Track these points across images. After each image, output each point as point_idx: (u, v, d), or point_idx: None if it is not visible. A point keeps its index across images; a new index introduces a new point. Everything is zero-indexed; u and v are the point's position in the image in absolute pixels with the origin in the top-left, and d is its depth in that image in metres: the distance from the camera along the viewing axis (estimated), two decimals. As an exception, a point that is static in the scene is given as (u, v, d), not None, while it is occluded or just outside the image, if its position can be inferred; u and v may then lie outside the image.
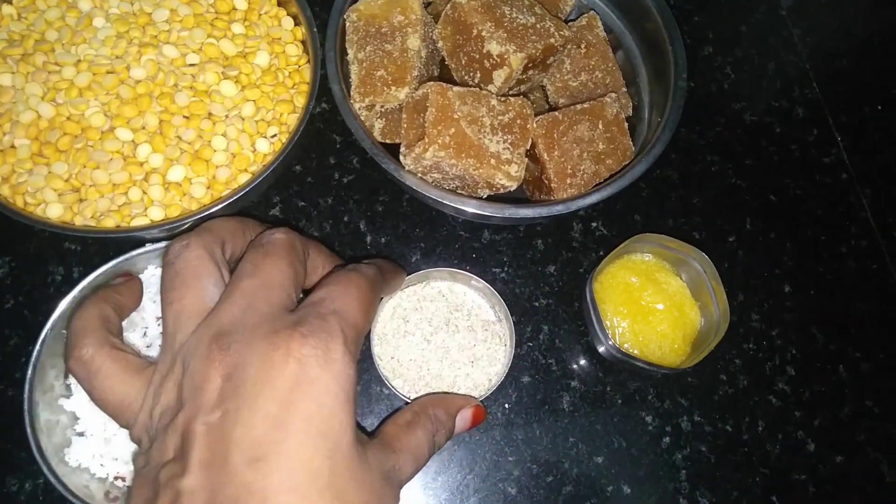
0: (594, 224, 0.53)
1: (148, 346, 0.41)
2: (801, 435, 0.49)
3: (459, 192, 0.45)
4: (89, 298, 0.33)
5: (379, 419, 0.46)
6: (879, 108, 0.60)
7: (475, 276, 0.45)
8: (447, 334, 0.45)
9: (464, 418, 0.37)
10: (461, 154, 0.41)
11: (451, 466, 0.45)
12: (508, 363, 0.44)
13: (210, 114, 0.46)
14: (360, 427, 0.30)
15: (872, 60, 0.63)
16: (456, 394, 0.42)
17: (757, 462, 0.47)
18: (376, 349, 0.44)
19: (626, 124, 0.47)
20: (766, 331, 0.51)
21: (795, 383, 0.50)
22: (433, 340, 0.45)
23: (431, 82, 0.41)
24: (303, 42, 0.50)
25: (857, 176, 0.57)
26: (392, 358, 0.44)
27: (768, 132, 0.58)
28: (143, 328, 0.41)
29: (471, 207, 0.43)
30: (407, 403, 0.42)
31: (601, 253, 0.52)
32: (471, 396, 0.40)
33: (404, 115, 0.43)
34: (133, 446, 0.39)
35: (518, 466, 0.46)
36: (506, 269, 0.51)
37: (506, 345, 0.45)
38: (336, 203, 0.52)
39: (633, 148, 0.48)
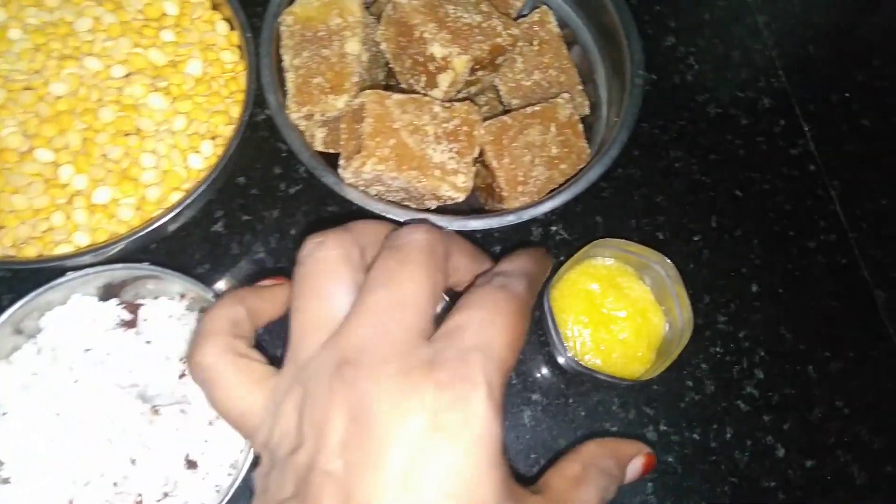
0: (554, 228, 0.51)
1: (76, 382, 0.38)
2: (770, 440, 0.47)
3: (406, 203, 0.43)
4: (224, 298, 0.29)
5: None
6: (847, 95, 0.59)
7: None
8: None
9: (635, 468, 0.33)
10: (402, 166, 0.38)
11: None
12: None
13: (138, 129, 0.43)
14: (520, 478, 0.25)
15: (839, 47, 0.61)
16: (623, 440, 0.36)
17: (726, 471, 0.46)
18: None
19: (580, 126, 0.45)
20: (734, 333, 0.50)
21: (764, 387, 0.48)
22: None
23: (368, 90, 0.39)
24: (239, 48, 0.47)
25: (826, 167, 0.55)
26: None
27: (734, 124, 0.56)
28: (71, 361, 0.39)
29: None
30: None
31: (562, 258, 0.50)
32: (640, 443, 0.35)
33: (343, 126, 0.41)
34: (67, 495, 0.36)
35: (478, 487, 0.44)
36: (462, 279, 0.49)
37: None
38: (283, 215, 0.49)
39: (589, 150, 0.46)
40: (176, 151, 0.43)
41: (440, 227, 0.27)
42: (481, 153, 0.42)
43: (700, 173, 0.54)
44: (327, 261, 0.26)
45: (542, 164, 0.43)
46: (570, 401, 0.46)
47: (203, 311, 0.40)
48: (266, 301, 0.31)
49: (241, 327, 0.28)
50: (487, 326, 0.24)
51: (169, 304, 0.41)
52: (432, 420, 0.21)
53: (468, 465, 0.21)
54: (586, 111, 0.48)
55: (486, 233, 0.50)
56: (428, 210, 0.42)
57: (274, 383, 0.26)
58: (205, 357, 0.26)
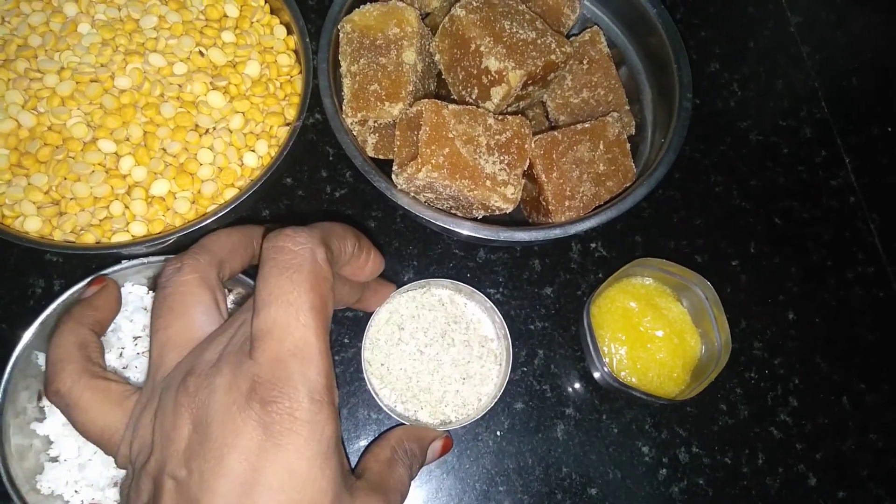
0: (593, 245, 0.51)
1: (124, 368, 0.39)
2: (802, 469, 0.47)
3: (454, 212, 0.43)
4: (64, 323, 0.31)
5: (368, 441, 0.44)
6: (889, 129, 0.59)
7: (478, 291, 0.43)
8: (442, 347, 0.43)
9: (434, 450, 0.39)
10: (455, 175, 0.39)
11: (439, 496, 0.44)
12: (503, 385, 0.42)
13: (196, 126, 0.44)
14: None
15: (883, 79, 0.61)
16: (424, 426, 0.41)
17: (756, 497, 0.46)
18: (367, 354, 0.43)
19: (628, 145, 0.46)
20: (769, 359, 0.50)
21: (797, 415, 0.48)
22: (427, 352, 0.43)
23: (426, 100, 0.40)
24: (295, 52, 0.49)
25: (866, 200, 0.55)
26: (382, 365, 0.43)
27: (775, 152, 0.57)
28: (119, 348, 0.40)
29: (465, 230, 0.41)
30: (395, 426, 0.41)
31: (600, 275, 0.51)
32: (437, 430, 0.41)
33: (397, 132, 0.42)
34: (109, 473, 0.37)
35: (509, 497, 0.44)
36: (501, 289, 0.49)
37: (500, 364, 0.44)
38: (327, 217, 0.50)
39: (635, 169, 0.46)
40: (232, 149, 0.44)
41: (307, 228, 0.27)
42: (530, 166, 0.43)
43: (740, 199, 0.54)
44: (185, 284, 0.27)
45: (589, 180, 0.43)
46: (604, 417, 0.47)
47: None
48: (102, 308, 0.34)
49: (89, 348, 0.30)
50: (293, 330, 0.24)
51: (230, 297, 0.41)
52: (264, 429, 0.23)
53: (301, 466, 0.23)
54: (632, 131, 0.49)
55: (527, 246, 0.50)
56: (475, 220, 0.42)
57: (133, 401, 0.27)
58: (62, 385, 0.28)
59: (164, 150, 0.44)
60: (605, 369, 0.44)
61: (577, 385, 0.48)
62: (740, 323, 0.50)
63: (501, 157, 0.41)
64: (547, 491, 0.44)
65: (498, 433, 0.45)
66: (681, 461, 0.46)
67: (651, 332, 0.47)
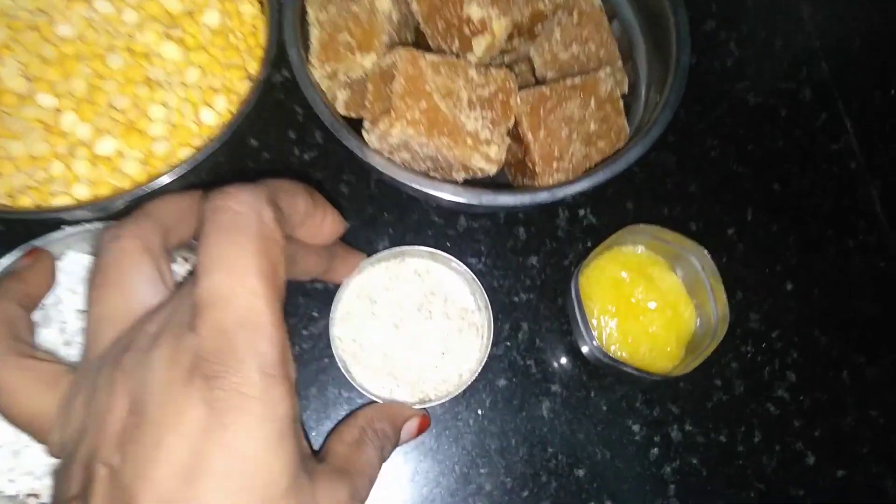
0: (582, 211, 0.48)
1: (67, 344, 0.36)
2: (800, 447, 0.45)
3: (432, 174, 0.40)
4: None
5: (336, 423, 0.41)
6: (893, 92, 0.56)
7: (455, 259, 0.40)
8: (418, 320, 0.40)
9: (409, 430, 0.36)
10: (433, 132, 0.35)
11: (415, 479, 0.41)
12: (484, 359, 0.39)
13: (148, 79, 0.40)
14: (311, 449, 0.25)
15: (886, 42, 0.58)
16: (398, 403, 0.38)
17: (752, 476, 0.44)
18: (336, 329, 0.39)
19: (621, 102, 0.42)
20: (766, 332, 0.47)
21: (795, 390, 0.46)
22: (402, 326, 0.40)
23: (400, 47, 0.36)
24: (260, 1, 0.44)
25: (868, 166, 0.53)
26: (354, 340, 0.40)
27: (773, 115, 0.53)
28: (61, 322, 0.36)
29: (444, 193, 0.37)
30: (363, 405, 0.38)
31: (589, 244, 0.48)
32: (412, 409, 0.38)
33: (370, 86, 0.38)
34: (48, 460, 0.34)
35: (490, 480, 0.41)
36: (483, 259, 0.46)
37: (483, 337, 0.41)
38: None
39: (629, 129, 0.43)
40: (187, 105, 0.40)
41: (254, 186, 0.24)
42: (516, 124, 0.39)
43: (737, 164, 0.51)
44: (124, 252, 0.25)
45: (579, 139, 0.40)
46: (592, 394, 0.44)
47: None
48: (32, 282, 0.31)
49: (17, 325, 0.28)
50: (239, 297, 0.21)
51: (176, 268, 0.38)
52: (208, 408, 0.20)
53: (252, 448, 0.20)
54: (625, 90, 0.45)
55: (511, 213, 0.47)
56: (455, 183, 0.39)
57: (67, 382, 0.25)
58: None
59: (111, 105, 0.39)
60: (594, 343, 0.41)
61: (563, 360, 0.45)
62: (736, 294, 0.47)
63: (484, 114, 0.37)
64: (531, 472, 0.42)
65: (479, 412, 0.43)
66: (673, 440, 0.44)
67: (643, 304, 0.44)
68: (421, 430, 0.37)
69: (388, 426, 0.35)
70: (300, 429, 0.24)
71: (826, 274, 0.49)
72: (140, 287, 0.25)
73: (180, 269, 0.37)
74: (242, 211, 0.23)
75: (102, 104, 0.39)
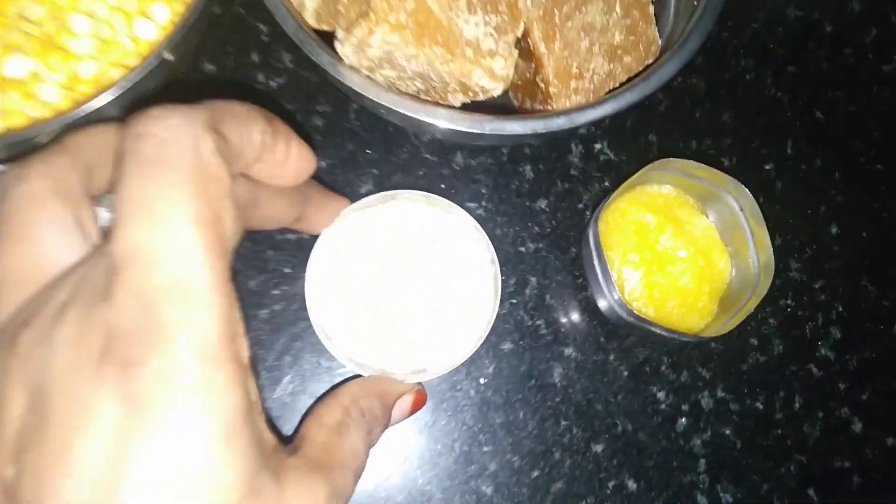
0: (598, 145, 0.41)
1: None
2: (845, 412, 0.39)
3: (423, 97, 0.33)
4: None
5: (310, 398, 0.35)
6: (954, 3, 0.49)
7: (455, 205, 0.33)
8: (411, 276, 0.33)
9: (402, 408, 0.30)
10: (423, 39, 0.28)
11: (409, 461, 0.35)
12: (491, 321, 0.33)
13: (67, -19, 0.32)
14: (277, 435, 0.20)
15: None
16: (387, 377, 0.32)
17: (792, 447, 0.38)
18: (314, 289, 0.33)
19: (651, 8, 0.35)
20: (808, 283, 0.41)
21: (840, 348, 0.40)
22: (392, 284, 0.33)
23: (380, -70, 0.28)
24: None
25: (925, 89, 0.46)
26: (334, 302, 0.33)
27: (817, 31, 0.46)
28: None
29: (439, 120, 0.30)
30: (346, 380, 0.31)
31: (606, 184, 0.41)
32: (404, 382, 0.32)
33: (343, -15, 0.30)
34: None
35: (495, 459, 0.36)
36: (484, 203, 0.39)
37: (489, 296, 0.34)
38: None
39: (660, 41, 0.35)
40: (119, 15, 0.33)
41: (189, 108, 0.18)
42: (525, 33, 0.32)
43: (775, 88, 0.44)
44: (31, 196, 0.19)
45: (601, 53, 0.33)
46: (611, 357, 0.38)
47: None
48: None
49: None
50: (167, 254, 0.16)
51: (107, 217, 0.31)
52: (124, 403, 0.15)
53: (188, 455, 0.16)
54: (653, -6, 0.38)
55: (517, 147, 0.40)
56: (451, 107, 0.32)
57: None
58: None
59: (21, 16, 0.32)
60: (616, 297, 0.35)
61: (577, 319, 0.39)
62: (775, 239, 0.41)
63: (487, 18, 0.30)
64: (542, 449, 0.36)
65: (481, 381, 0.37)
66: (703, 408, 0.38)
67: (671, 253, 0.38)
68: (416, 408, 0.31)
69: (377, 404, 0.29)
70: (260, 418, 0.19)
71: (876, 214, 0.43)
72: (52, 240, 0.19)
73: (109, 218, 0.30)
74: (171, 138, 0.17)
75: (10, 15, 0.32)
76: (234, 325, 0.17)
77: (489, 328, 0.33)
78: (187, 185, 0.17)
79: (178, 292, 0.16)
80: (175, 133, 0.17)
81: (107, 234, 0.20)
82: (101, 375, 0.16)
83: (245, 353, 0.17)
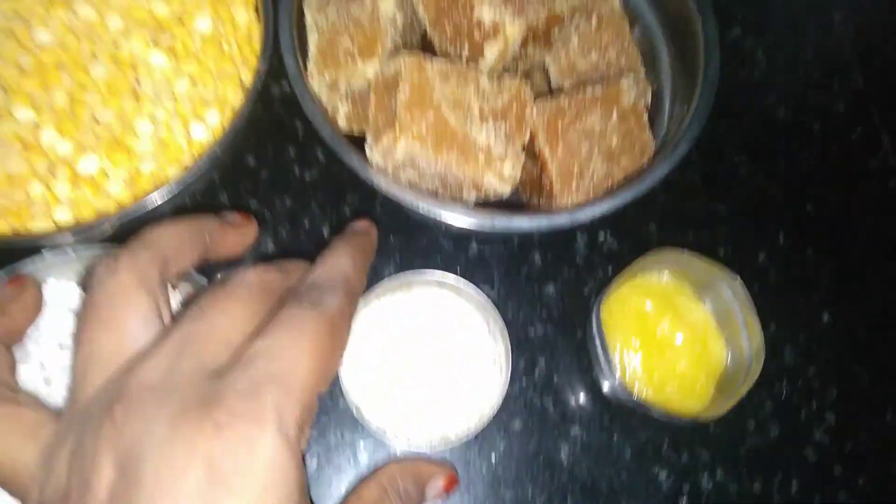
0: (601, 235, 0.45)
1: (47, 382, 0.32)
2: (842, 497, 0.40)
3: (441, 194, 0.37)
4: None
5: (335, 471, 0.37)
6: (934, 105, 0.52)
7: (470, 283, 0.37)
8: (430, 355, 0.36)
9: (435, 488, 0.33)
10: (441, 147, 0.32)
11: (421, 532, 0.37)
12: (504, 391, 0.36)
13: (134, 91, 0.37)
14: None
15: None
16: (426, 460, 0.35)
17: (791, 529, 0.39)
18: (344, 370, 0.36)
19: (645, 115, 0.39)
20: (802, 369, 0.43)
21: (836, 434, 0.42)
22: (413, 360, 0.36)
23: (406, 53, 0.33)
24: (255, 8, 0.41)
25: (909, 185, 0.49)
26: (363, 380, 0.36)
27: (805, 130, 0.50)
28: (41, 358, 0.33)
29: (453, 216, 0.34)
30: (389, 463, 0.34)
31: (609, 271, 0.44)
32: (442, 464, 0.34)
33: (372, 97, 0.35)
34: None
35: (504, 532, 0.37)
36: (496, 287, 0.42)
37: (501, 368, 0.37)
38: (296, 204, 0.43)
39: (654, 144, 0.39)
40: (177, 119, 0.37)
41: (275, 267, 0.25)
42: (531, 139, 0.36)
43: (767, 182, 0.48)
44: (119, 287, 0.23)
45: (600, 156, 0.37)
46: (615, 437, 0.40)
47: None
48: (14, 316, 0.29)
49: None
50: (287, 351, 0.20)
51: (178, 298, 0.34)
52: (209, 469, 0.18)
53: None
54: (649, 101, 0.42)
55: (525, 237, 0.43)
56: (466, 204, 0.36)
57: (50, 431, 0.22)
58: None
59: (94, 119, 0.36)
60: (618, 381, 0.37)
61: (583, 400, 0.41)
62: (769, 326, 0.43)
63: (497, 127, 0.34)
64: None
65: (492, 457, 0.39)
66: (703, 489, 0.40)
67: (669, 338, 0.40)
68: (449, 488, 0.34)
69: (412, 485, 0.32)
70: (308, 499, 0.21)
71: (867, 304, 0.45)
72: (134, 326, 0.22)
73: (173, 299, 0.34)
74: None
75: (85, 118, 0.36)
76: (311, 407, 0.21)
77: (503, 397, 0.35)
78: (245, 302, 0.23)
79: (280, 383, 0.19)
80: (251, 279, 0.24)
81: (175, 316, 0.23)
82: (193, 443, 0.18)
83: (304, 445, 0.21)
